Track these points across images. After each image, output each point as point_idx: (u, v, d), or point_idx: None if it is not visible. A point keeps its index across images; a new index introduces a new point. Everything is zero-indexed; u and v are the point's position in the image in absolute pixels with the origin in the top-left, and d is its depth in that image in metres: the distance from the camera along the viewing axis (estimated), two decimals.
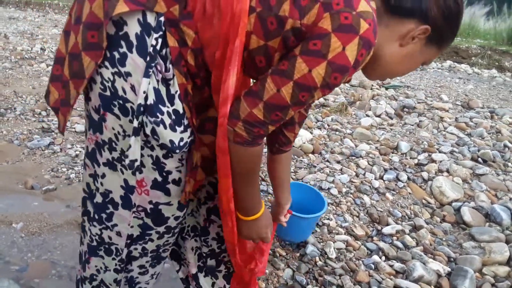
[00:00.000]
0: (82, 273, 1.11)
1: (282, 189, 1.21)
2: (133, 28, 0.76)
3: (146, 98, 0.78)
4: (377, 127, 3.19)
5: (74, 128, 2.86)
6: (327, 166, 2.47)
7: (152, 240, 1.01)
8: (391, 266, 1.68)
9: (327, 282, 1.57)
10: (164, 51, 0.78)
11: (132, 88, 0.79)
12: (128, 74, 0.78)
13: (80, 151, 2.54)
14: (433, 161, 2.56)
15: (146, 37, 0.76)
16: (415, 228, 1.96)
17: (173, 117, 0.82)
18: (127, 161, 0.83)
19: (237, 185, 0.90)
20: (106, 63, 0.79)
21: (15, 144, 2.56)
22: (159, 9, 0.75)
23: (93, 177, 0.95)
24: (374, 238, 1.88)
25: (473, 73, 6.08)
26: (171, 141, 0.82)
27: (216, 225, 1.15)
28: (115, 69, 0.79)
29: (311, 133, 2.93)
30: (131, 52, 0.77)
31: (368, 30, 0.72)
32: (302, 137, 2.75)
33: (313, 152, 2.66)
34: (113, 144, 0.87)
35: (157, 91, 0.79)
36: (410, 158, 2.64)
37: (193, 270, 1.27)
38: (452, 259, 1.75)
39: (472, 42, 7.56)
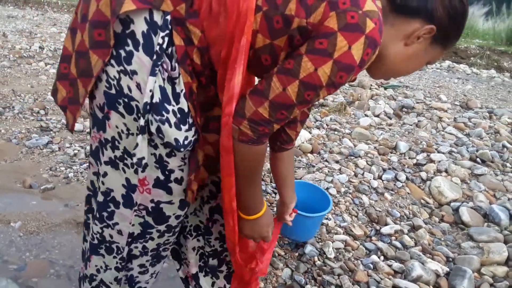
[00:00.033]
0: (84, 271, 1.12)
1: (286, 188, 1.21)
2: (139, 27, 0.76)
3: (152, 97, 0.78)
4: (376, 127, 3.19)
5: None
6: (326, 166, 2.47)
7: (152, 239, 1.01)
8: (390, 266, 1.69)
9: (326, 282, 1.57)
10: (170, 49, 0.78)
11: (138, 86, 0.79)
12: (134, 73, 0.78)
13: (78, 150, 2.53)
14: (431, 161, 2.57)
15: (153, 36, 0.76)
16: (414, 228, 1.97)
17: (178, 115, 0.82)
18: (134, 159, 0.83)
19: (240, 184, 0.90)
20: (112, 61, 0.79)
21: (13, 143, 2.55)
22: (165, 7, 0.75)
23: (97, 175, 0.96)
24: (373, 238, 1.88)
25: (472, 73, 6.09)
26: (176, 140, 0.82)
27: (219, 224, 1.15)
28: (121, 67, 0.79)
29: (310, 132, 2.93)
30: (137, 50, 0.77)
31: (374, 29, 0.72)
32: (301, 136, 2.74)
33: (311, 152, 2.66)
34: (116, 142, 0.87)
35: (163, 90, 0.79)
36: (409, 158, 2.64)
37: (193, 270, 1.27)
38: (450, 259, 1.76)
39: (471, 42, 7.57)
